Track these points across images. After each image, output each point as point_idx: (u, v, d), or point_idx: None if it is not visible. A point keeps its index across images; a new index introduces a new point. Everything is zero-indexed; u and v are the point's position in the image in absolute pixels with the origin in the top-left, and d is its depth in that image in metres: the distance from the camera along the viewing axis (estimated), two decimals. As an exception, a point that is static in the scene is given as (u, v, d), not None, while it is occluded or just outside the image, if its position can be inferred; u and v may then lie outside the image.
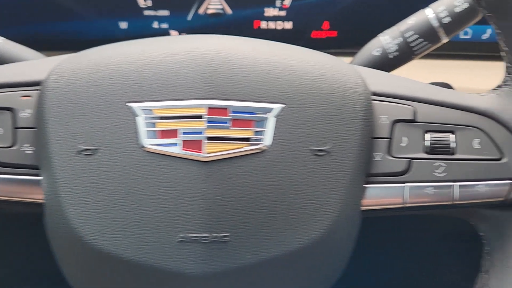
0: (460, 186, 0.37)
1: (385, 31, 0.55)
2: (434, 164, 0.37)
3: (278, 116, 0.35)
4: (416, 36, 0.53)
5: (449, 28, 0.52)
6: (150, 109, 0.35)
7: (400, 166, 0.38)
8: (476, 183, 0.37)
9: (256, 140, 0.35)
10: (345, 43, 0.73)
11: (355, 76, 0.39)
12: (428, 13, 0.53)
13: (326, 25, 0.72)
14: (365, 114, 0.37)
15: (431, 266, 0.78)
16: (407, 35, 0.53)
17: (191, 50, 0.37)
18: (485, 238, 0.40)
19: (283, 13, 0.71)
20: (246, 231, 0.35)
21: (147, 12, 0.69)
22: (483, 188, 0.37)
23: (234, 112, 0.35)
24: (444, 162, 0.37)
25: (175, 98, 0.35)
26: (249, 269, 0.35)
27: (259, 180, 0.35)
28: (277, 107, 0.36)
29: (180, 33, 0.71)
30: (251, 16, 0.71)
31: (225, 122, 0.35)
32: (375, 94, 0.39)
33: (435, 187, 0.37)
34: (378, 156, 0.38)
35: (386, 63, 0.55)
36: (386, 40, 0.54)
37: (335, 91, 0.37)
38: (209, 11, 0.70)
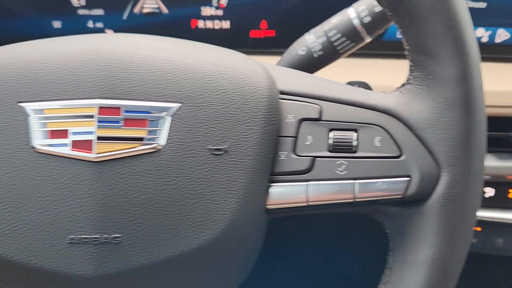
0: (360, 183, 0.37)
1: (311, 30, 0.56)
2: (337, 162, 0.38)
3: (174, 116, 0.35)
4: (339, 35, 0.53)
5: (370, 27, 0.53)
6: (41, 109, 0.34)
7: (303, 164, 0.38)
8: (376, 180, 0.37)
9: (150, 139, 0.35)
10: (283, 42, 0.73)
11: (262, 75, 0.39)
12: (350, 13, 0.53)
13: (264, 24, 0.72)
14: (267, 113, 0.37)
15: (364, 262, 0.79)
16: (330, 34, 0.54)
17: (89, 49, 0.36)
18: (389, 235, 0.40)
19: (220, 12, 0.71)
20: (139, 232, 0.34)
21: (81, 11, 0.69)
22: (382, 185, 0.37)
23: (127, 111, 0.34)
24: (345, 160, 0.38)
25: (67, 97, 0.34)
26: (143, 271, 0.35)
27: (153, 180, 0.34)
28: (173, 106, 0.35)
29: (116, 32, 0.71)
30: (188, 15, 0.71)
31: (118, 122, 0.34)
32: (283, 93, 0.39)
33: (336, 185, 0.37)
34: (283, 155, 0.38)
35: (312, 62, 0.55)
36: (311, 39, 0.55)
37: (237, 90, 0.37)
38: (145, 10, 0.70)
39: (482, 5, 0.71)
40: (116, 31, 0.71)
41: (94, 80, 0.35)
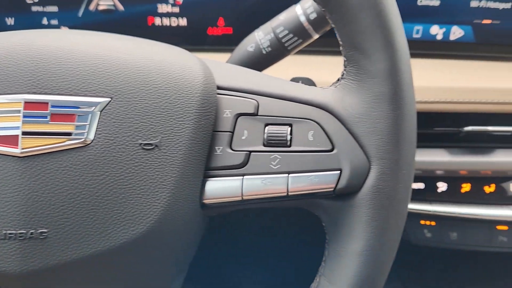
0: (293, 177, 0.38)
1: (260, 26, 0.56)
2: (271, 157, 0.38)
3: (103, 110, 0.35)
4: (286, 31, 0.54)
5: (316, 24, 0.53)
6: (-33, 105, 0.34)
7: (239, 159, 0.38)
8: (308, 174, 0.38)
9: (78, 134, 0.35)
10: (241, 39, 0.73)
11: (199, 70, 0.39)
12: (297, 10, 0.53)
13: (221, 21, 0.72)
14: (201, 108, 0.37)
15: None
16: (278, 31, 0.54)
17: (19, 44, 0.36)
18: (325, 228, 0.41)
19: (176, 9, 0.71)
20: (66, 226, 0.34)
21: (34, 8, 0.68)
22: (314, 179, 0.38)
23: (54, 106, 0.34)
24: (279, 154, 0.38)
25: None
26: (70, 266, 0.34)
27: (81, 174, 0.34)
28: (102, 101, 0.35)
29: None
30: (144, 12, 0.71)
31: (45, 117, 0.34)
32: (220, 88, 0.39)
33: (270, 179, 0.38)
34: (219, 150, 0.38)
35: (261, 59, 0.56)
36: (260, 36, 0.55)
37: (170, 85, 0.37)
38: (100, 7, 0.69)
39: (436, 2, 0.72)
40: (71, 28, 0.70)
41: (21, 75, 0.35)
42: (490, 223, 0.71)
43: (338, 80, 0.40)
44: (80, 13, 0.69)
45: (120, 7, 0.70)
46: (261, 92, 0.40)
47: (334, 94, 0.39)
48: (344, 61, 0.39)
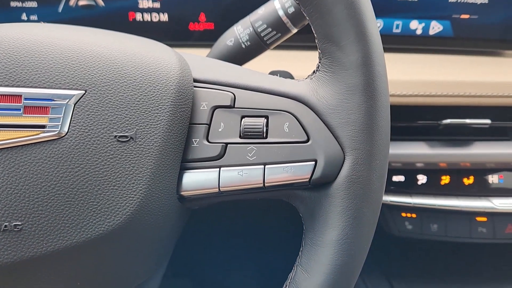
0: (268, 168, 0.38)
1: (240, 21, 0.56)
2: (247, 148, 0.38)
3: (77, 103, 0.35)
4: (265, 25, 0.54)
5: (295, 18, 0.53)
6: None
7: (215, 150, 0.38)
8: (284, 165, 0.38)
9: (52, 127, 0.35)
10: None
11: (175, 63, 0.39)
12: (276, 4, 0.54)
13: (202, 17, 0.73)
14: (177, 100, 0.37)
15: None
16: (256, 25, 0.54)
17: None
18: (302, 218, 0.41)
19: (157, 4, 0.71)
20: (41, 219, 0.34)
21: (13, 3, 0.67)
22: (290, 170, 0.38)
23: (28, 99, 0.34)
24: (255, 146, 0.38)
25: None
26: (46, 258, 0.34)
27: (56, 167, 0.34)
28: (76, 93, 0.35)
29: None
30: (125, 7, 0.71)
31: (18, 110, 0.34)
32: (197, 81, 0.40)
33: (246, 170, 0.38)
34: (196, 142, 0.38)
35: (240, 53, 0.56)
36: (239, 30, 0.55)
37: (145, 77, 0.37)
38: (80, 3, 0.69)
39: (415, -2, 0.73)
40: (51, 24, 0.70)
41: None
42: (470, 215, 0.72)
43: (314, 72, 0.41)
44: (60, 9, 0.69)
45: (101, 3, 0.69)
46: (237, 84, 0.40)
47: (309, 86, 0.40)
48: (319, 53, 0.40)
